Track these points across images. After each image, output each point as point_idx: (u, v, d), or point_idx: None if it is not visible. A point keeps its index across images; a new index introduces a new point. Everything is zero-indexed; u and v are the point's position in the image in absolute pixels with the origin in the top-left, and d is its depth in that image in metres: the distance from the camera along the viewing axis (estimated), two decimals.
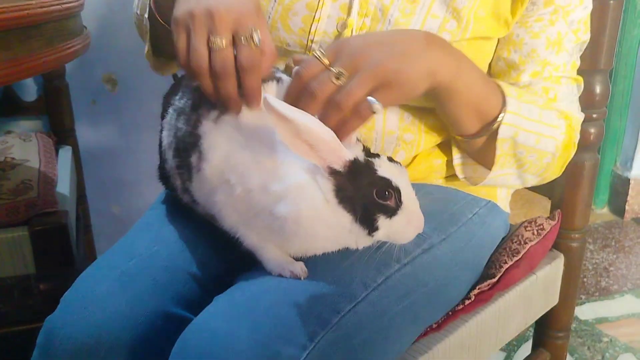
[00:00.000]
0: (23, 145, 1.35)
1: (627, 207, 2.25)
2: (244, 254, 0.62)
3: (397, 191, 0.56)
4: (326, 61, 0.56)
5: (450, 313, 0.75)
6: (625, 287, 1.82)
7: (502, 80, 0.74)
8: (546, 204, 0.94)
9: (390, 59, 0.56)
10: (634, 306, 1.72)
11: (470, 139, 0.70)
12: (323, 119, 0.55)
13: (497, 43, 0.77)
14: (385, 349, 0.62)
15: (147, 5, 0.73)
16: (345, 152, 0.55)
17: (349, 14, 0.71)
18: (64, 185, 1.23)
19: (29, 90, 1.48)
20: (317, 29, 0.72)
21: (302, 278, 0.59)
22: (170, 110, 0.66)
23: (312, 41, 0.72)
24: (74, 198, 1.35)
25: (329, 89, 0.55)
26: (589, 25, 0.77)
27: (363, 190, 0.55)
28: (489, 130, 0.69)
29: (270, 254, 0.60)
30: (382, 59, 0.56)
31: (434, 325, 0.73)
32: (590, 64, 0.81)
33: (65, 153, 1.44)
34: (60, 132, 1.50)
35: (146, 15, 0.73)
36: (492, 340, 0.81)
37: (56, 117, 1.50)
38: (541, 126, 0.71)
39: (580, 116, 0.78)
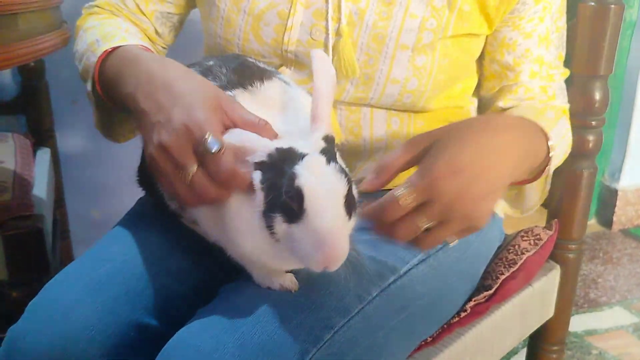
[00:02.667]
0: None
1: (614, 219, 2.26)
2: (228, 263, 0.58)
3: (300, 196, 0.47)
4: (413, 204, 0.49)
5: (445, 326, 0.72)
6: (614, 299, 1.81)
7: (498, 81, 0.75)
8: (543, 213, 0.92)
9: (482, 206, 0.51)
10: (623, 318, 1.71)
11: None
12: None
13: (488, 45, 0.75)
14: None
15: (90, 78, 0.68)
16: (270, 142, 0.50)
17: (326, 19, 0.68)
18: (41, 188, 1.19)
19: (7, 88, 1.44)
20: (290, 38, 0.69)
21: (292, 291, 0.55)
22: None
23: (286, 51, 0.69)
24: (51, 202, 1.30)
25: (414, 232, 0.50)
26: (564, 10, 0.76)
27: (275, 182, 0.48)
28: (545, 172, 0.66)
29: (264, 272, 0.56)
30: (473, 210, 0.50)
31: (429, 339, 0.70)
32: (590, 69, 0.79)
33: (44, 155, 1.40)
34: (39, 133, 1.45)
35: (89, 88, 0.69)
36: (488, 354, 0.78)
37: (34, 117, 1.46)
38: (564, 137, 0.73)
39: (568, 104, 0.79)
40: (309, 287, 0.55)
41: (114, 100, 0.65)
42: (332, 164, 0.48)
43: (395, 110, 0.71)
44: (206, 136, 0.50)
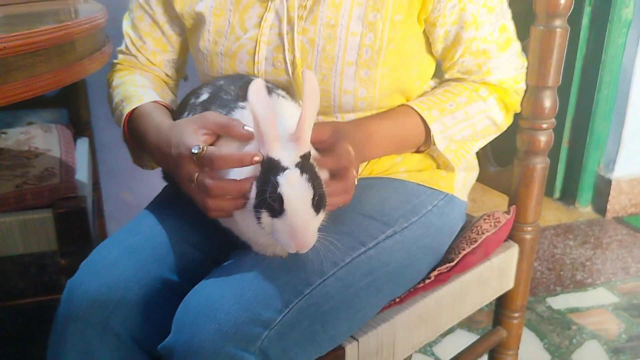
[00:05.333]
0: (45, 136, 1.49)
1: (608, 207, 2.37)
2: (234, 237, 0.76)
3: (281, 200, 0.63)
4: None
5: (412, 290, 0.89)
6: (599, 281, 1.94)
7: (443, 61, 0.91)
8: (504, 199, 1.07)
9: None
10: (605, 298, 1.84)
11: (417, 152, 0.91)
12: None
13: (427, 40, 0.88)
14: (349, 316, 0.75)
15: (122, 124, 0.90)
16: (272, 149, 0.65)
17: (283, 52, 0.84)
18: (82, 173, 1.36)
19: None
20: (259, 70, 0.85)
21: (282, 257, 0.73)
22: (186, 113, 0.81)
23: None
24: (90, 185, 1.48)
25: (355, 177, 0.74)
26: None
27: (265, 185, 0.64)
28: (428, 148, 0.89)
29: (268, 242, 0.72)
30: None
31: (397, 300, 0.87)
32: (540, 81, 0.93)
33: (83, 144, 1.57)
34: (78, 124, 1.63)
35: (122, 136, 0.91)
36: (449, 314, 0.95)
37: (74, 111, 1.64)
38: (470, 120, 0.89)
39: (517, 71, 0.91)
40: (295, 256, 0.71)
41: (141, 146, 0.86)
42: (305, 175, 0.64)
43: (360, 112, 0.87)
44: (192, 149, 0.69)
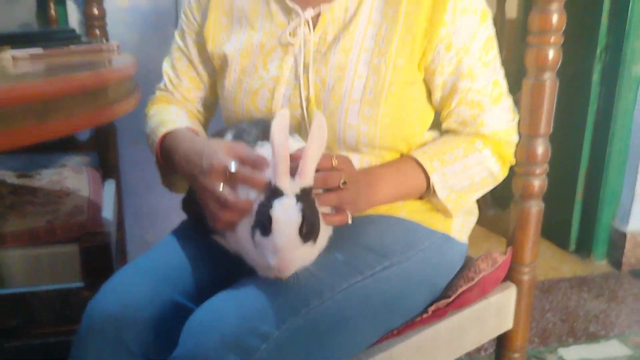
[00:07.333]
0: (76, 177, 1.60)
1: (624, 260, 2.36)
2: (241, 264, 0.83)
3: (270, 220, 0.71)
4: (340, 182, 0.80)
5: (409, 323, 0.94)
6: (612, 333, 1.93)
7: (442, 111, 0.98)
8: (502, 241, 1.12)
9: (360, 208, 0.87)
10: (618, 350, 1.82)
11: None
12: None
13: (428, 90, 0.96)
14: (346, 339, 0.80)
15: (154, 152, 1.00)
16: (281, 180, 0.73)
17: (299, 90, 0.93)
18: (108, 212, 1.46)
19: (83, 131, 1.73)
20: (276, 105, 0.95)
21: (283, 279, 0.79)
22: None
23: (274, 115, 0.93)
24: (114, 224, 1.58)
25: (335, 201, 0.80)
26: (492, 42, 0.93)
27: (263, 208, 0.73)
28: (429, 196, 0.96)
29: (260, 261, 0.79)
30: (356, 210, 0.84)
31: (395, 332, 0.92)
32: (532, 130, 1.00)
33: (110, 185, 1.68)
34: (107, 167, 1.74)
35: (154, 160, 1.02)
36: (447, 349, 0.99)
37: (104, 154, 1.75)
38: (468, 171, 0.95)
39: (509, 124, 0.98)
40: (296, 279, 0.77)
41: (171, 165, 0.94)
42: (299, 204, 0.72)
43: (364, 152, 0.94)
44: (230, 164, 0.77)
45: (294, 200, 0.72)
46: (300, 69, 0.93)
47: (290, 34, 0.94)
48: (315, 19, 0.93)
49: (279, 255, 0.71)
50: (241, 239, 0.78)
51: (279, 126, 0.74)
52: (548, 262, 2.46)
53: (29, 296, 1.26)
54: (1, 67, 1.03)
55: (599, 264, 2.44)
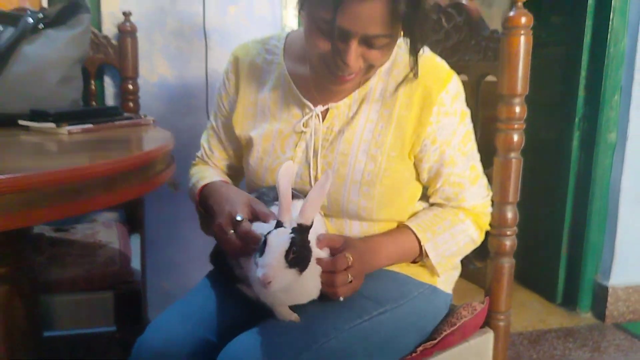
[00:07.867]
0: (106, 231, 1.79)
1: (607, 313, 2.51)
2: (264, 310, 1.00)
3: (264, 244, 0.88)
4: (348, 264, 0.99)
5: None
6: None
7: (429, 187, 1.16)
8: (480, 292, 1.31)
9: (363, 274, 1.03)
10: None
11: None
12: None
13: (417, 171, 1.13)
14: None
15: (195, 201, 1.21)
16: (283, 216, 0.91)
17: (308, 170, 1.14)
18: (136, 263, 1.64)
19: None
20: None
21: (296, 321, 0.97)
22: None
23: None
24: (140, 274, 1.76)
25: (344, 282, 0.98)
26: (470, 135, 1.13)
27: (265, 236, 0.90)
28: (421, 260, 1.16)
29: (280, 308, 0.98)
30: (361, 278, 1.02)
31: None
32: (502, 198, 1.20)
33: (135, 239, 1.87)
34: (133, 223, 1.93)
35: (195, 206, 1.21)
36: None
37: (130, 212, 1.96)
38: (455, 239, 1.14)
39: (485, 199, 1.17)
40: (307, 321, 0.95)
41: (207, 210, 1.14)
42: (292, 235, 0.88)
43: (364, 219, 1.13)
44: (237, 215, 0.99)
45: (288, 230, 0.89)
46: (311, 152, 1.14)
47: (303, 124, 1.15)
48: (324, 113, 1.15)
49: (264, 270, 0.86)
50: (250, 267, 0.96)
51: (284, 174, 0.93)
52: (536, 314, 2.61)
53: (71, 338, 1.43)
54: (59, 139, 1.23)
55: (585, 316, 2.59)
